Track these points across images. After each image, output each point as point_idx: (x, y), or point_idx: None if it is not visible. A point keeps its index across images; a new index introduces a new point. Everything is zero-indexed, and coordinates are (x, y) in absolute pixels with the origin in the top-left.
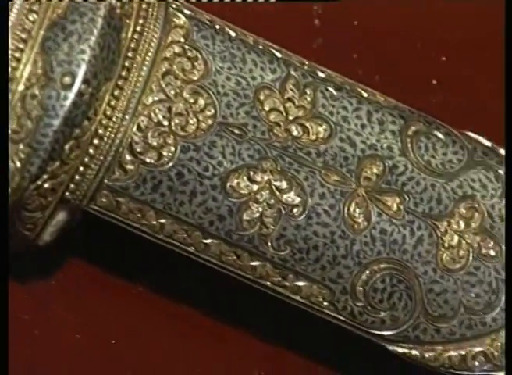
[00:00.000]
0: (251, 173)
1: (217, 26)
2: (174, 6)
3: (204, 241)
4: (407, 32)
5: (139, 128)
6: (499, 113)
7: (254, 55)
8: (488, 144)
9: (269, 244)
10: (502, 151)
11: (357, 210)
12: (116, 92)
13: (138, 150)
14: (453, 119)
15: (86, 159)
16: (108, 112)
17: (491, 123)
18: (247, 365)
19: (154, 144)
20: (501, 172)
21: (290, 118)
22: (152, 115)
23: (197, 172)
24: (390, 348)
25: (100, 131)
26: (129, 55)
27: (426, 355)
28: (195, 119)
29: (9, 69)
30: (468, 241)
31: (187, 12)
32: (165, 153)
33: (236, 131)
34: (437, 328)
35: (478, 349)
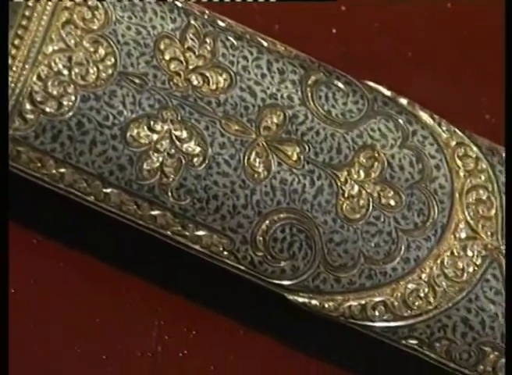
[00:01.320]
0: (151, 122)
1: None
2: None
3: (105, 190)
4: None
5: (39, 77)
6: (399, 64)
7: (154, 4)
8: (388, 93)
9: (169, 193)
10: (402, 101)
11: (257, 160)
12: (16, 41)
13: (38, 99)
14: (353, 69)
15: None
16: (9, 62)
17: (391, 74)
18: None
19: (54, 93)
20: (401, 121)
21: (190, 67)
22: (52, 64)
23: (97, 121)
24: (290, 297)
25: None
26: (30, 4)
27: (326, 305)
28: (95, 69)
29: None
30: (368, 190)
31: None
32: (65, 102)
33: (137, 81)
34: (337, 278)
35: (377, 299)
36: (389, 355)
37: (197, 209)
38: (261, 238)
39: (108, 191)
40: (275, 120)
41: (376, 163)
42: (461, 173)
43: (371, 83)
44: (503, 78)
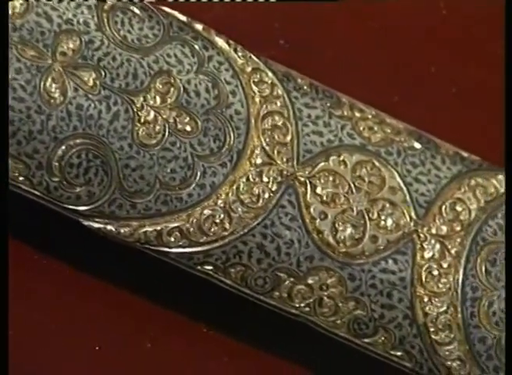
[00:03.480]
0: None
1: None
2: None
3: None
4: None
5: None
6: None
7: None
8: (184, 18)
9: None
10: (198, 26)
11: (54, 85)
12: None
13: None
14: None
15: None
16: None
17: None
18: None
19: None
20: (197, 47)
21: None
22: None
23: None
24: (86, 223)
25: None
26: None
27: (122, 231)
28: None
29: None
30: (164, 116)
31: None
32: None
33: None
34: (133, 203)
35: (173, 225)
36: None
37: None
38: (56, 164)
39: None
40: (71, 46)
41: (172, 89)
42: (257, 99)
43: (167, 9)
44: None
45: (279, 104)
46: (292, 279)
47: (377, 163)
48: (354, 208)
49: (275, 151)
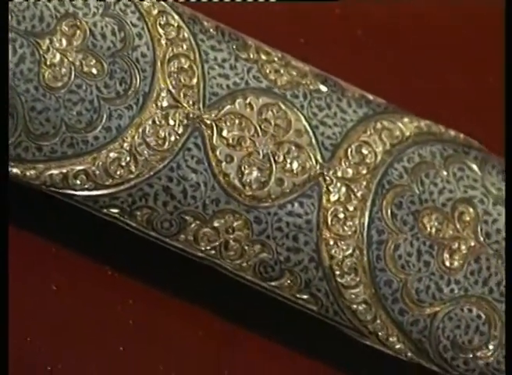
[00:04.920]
0: None
1: None
2: None
3: None
4: None
5: None
6: None
7: None
8: None
9: None
10: None
11: None
12: None
13: None
14: None
15: None
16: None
17: None
18: None
19: None
20: None
21: None
22: None
23: None
24: None
25: None
26: None
27: (27, 174)
28: None
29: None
30: (70, 59)
31: None
32: None
33: None
34: (39, 146)
35: (79, 168)
36: None
37: None
38: None
39: None
40: None
41: (78, 31)
42: (163, 42)
43: None
44: None
45: (185, 47)
46: (198, 222)
47: (283, 106)
48: (260, 152)
49: (182, 94)
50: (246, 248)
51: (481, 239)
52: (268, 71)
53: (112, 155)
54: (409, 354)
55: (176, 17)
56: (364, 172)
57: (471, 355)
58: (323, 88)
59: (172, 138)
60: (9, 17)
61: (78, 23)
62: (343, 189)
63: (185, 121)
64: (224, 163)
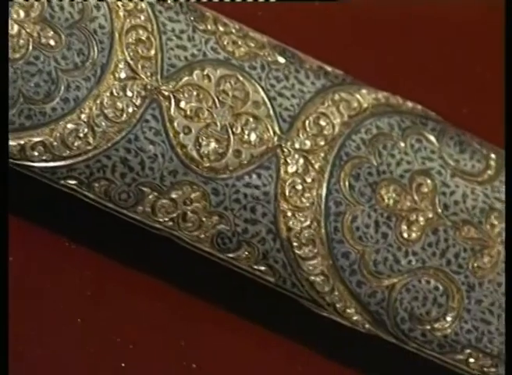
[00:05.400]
0: None
1: None
2: None
3: None
4: None
5: None
6: None
7: None
8: None
9: None
10: None
11: None
12: None
13: None
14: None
15: None
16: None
17: None
18: None
19: None
20: None
21: None
22: None
23: None
24: None
25: None
26: None
27: None
28: None
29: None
30: (28, 30)
31: None
32: None
33: None
34: None
35: (37, 139)
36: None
37: None
38: None
39: None
40: None
41: (36, 3)
42: (121, 13)
43: None
44: None
45: (142, 18)
46: (155, 193)
47: (241, 78)
48: (218, 123)
49: (139, 66)
50: (203, 219)
51: (439, 211)
52: (225, 42)
53: (69, 126)
54: (366, 325)
55: None
56: (322, 143)
57: (428, 327)
58: (281, 60)
59: (130, 110)
60: None
61: None
62: (301, 161)
63: (143, 92)
64: (182, 135)
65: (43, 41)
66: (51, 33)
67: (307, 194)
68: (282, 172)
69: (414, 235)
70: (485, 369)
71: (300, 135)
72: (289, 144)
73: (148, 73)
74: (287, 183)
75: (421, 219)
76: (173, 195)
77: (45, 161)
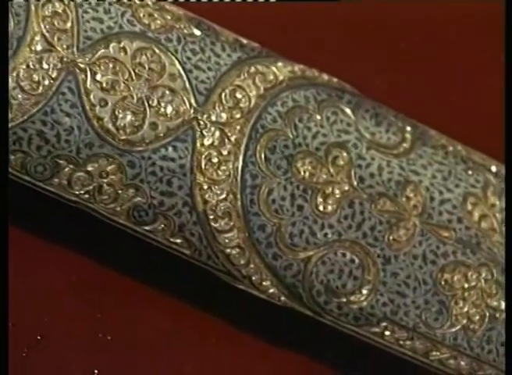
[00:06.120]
0: None
1: None
2: None
3: None
4: None
5: None
6: None
7: None
8: None
9: None
10: None
11: None
12: None
13: None
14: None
15: None
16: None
17: None
18: None
19: None
20: None
21: None
22: None
23: None
24: None
25: None
26: None
27: None
28: None
29: None
30: None
31: None
32: None
33: None
34: None
35: None
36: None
37: None
38: None
39: None
40: None
41: None
42: None
43: None
44: None
45: None
46: (71, 166)
47: (157, 50)
48: (134, 96)
49: (56, 38)
50: (119, 192)
51: (355, 183)
52: (141, 15)
53: None
54: (282, 298)
55: None
56: (238, 116)
57: (344, 300)
58: (197, 32)
59: (46, 82)
60: None
61: None
62: (217, 133)
63: (59, 65)
64: (98, 107)
65: None
66: None
67: (223, 167)
68: (198, 144)
69: (329, 208)
70: (401, 342)
71: (217, 108)
72: (205, 116)
73: (64, 46)
74: (203, 156)
75: (336, 191)
76: (89, 168)
77: None
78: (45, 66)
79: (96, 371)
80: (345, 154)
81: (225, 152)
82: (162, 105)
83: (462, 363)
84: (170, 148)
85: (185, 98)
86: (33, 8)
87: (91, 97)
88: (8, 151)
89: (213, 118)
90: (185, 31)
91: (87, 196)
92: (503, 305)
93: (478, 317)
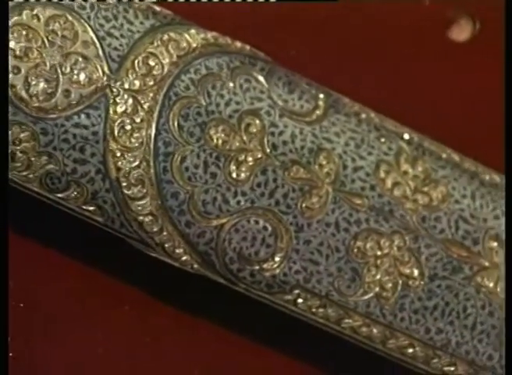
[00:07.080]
0: None
1: None
2: None
3: None
4: None
5: None
6: None
7: None
8: None
9: None
10: None
11: None
12: None
13: None
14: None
15: None
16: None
17: None
18: None
19: None
20: None
21: None
22: None
23: None
24: None
25: None
26: None
27: None
28: None
29: None
30: None
31: None
32: None
33: None
34: None
35: None
36: None
37: None
38: None
39: None
40: None
41: None
42: None
43: None
44: None
45: None
46: None
47: (70, 17)
48: (47, 63)
49: None
50: (32, 159)
51: (268, 151)
52: None
53: None
54: (195, 266)
55: None
56: (151, 83)
57: (257, 267)
58: None
59: None
60: None
61: None
62: (130, 101)
63: None
64: (11, 75)
65: None
66: None
67: (136, 134)
68: (111, 112)
69: (242, 175)
70: (314, 310)
71: (129, 75)
72: (118, 84)
73: None
74: (116, 123)
75: (249, 159)
76: None
77: None
78: None
79: None
80: (258, 121)
81: (138, 120)
82: (75, 72)
83: (374, 331)
84: (83, 116)
85: (98, 66)
86: None
87: None
88: (8, 153)
89: (126, 85)
90: None
91: None
92: (415, 272)
93: (390, 285)
